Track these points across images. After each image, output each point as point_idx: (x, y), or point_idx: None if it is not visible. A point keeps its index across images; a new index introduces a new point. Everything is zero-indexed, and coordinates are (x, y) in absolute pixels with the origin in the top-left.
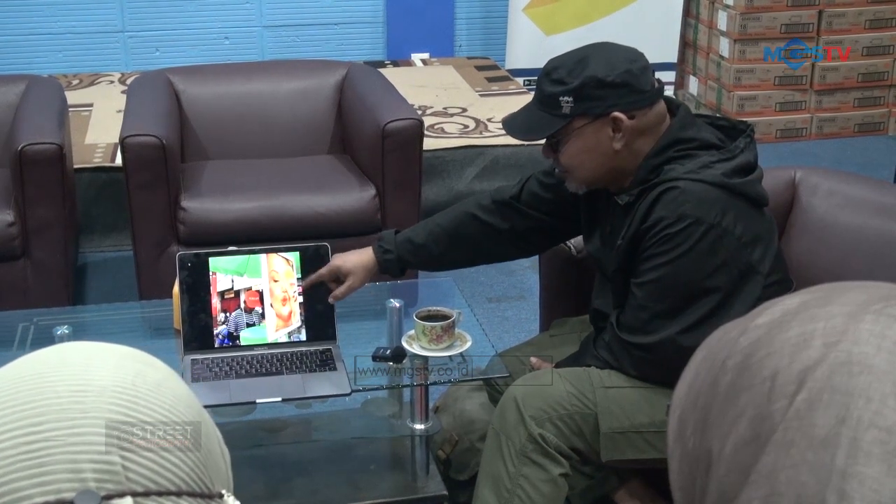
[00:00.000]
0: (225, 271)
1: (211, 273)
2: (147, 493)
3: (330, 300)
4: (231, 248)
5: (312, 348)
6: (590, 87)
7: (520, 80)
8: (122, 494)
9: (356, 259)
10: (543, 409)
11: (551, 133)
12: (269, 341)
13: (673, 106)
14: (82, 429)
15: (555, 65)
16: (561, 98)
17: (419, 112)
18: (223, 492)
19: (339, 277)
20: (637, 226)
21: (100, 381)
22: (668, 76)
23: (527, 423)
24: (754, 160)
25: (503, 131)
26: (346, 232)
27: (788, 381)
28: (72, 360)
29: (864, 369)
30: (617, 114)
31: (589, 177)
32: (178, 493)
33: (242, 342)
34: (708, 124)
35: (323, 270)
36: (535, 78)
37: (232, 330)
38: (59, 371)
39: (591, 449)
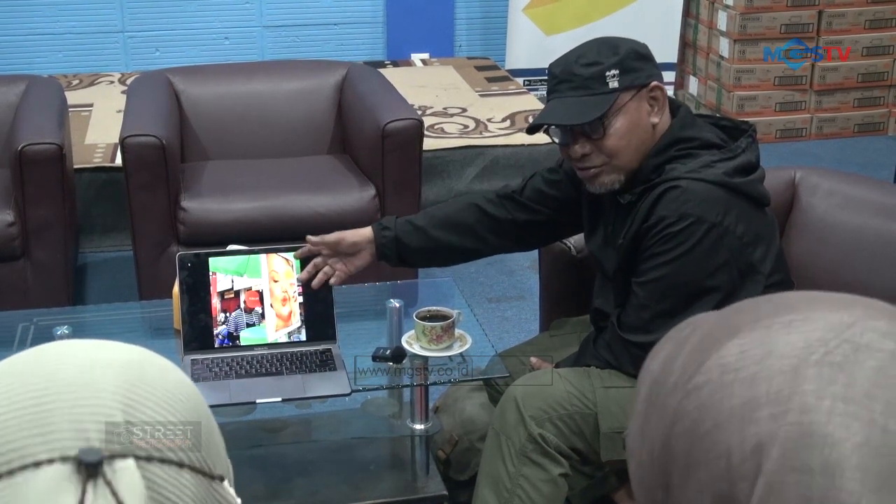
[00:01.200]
0: (225, 271)
1: (211, 273)
2: (149, 458)
3: (335, 278)
4: (231, 248)
5: (312, 348)
6: (631, 58)
7: (520, 80)
8: (124, 456)
9: (360, 233)
10: (543, 409)
11: (604, 111)
12: (269, 341)
13: (674, 106)
14: (88, 397)
15: (577, 54)
16: (607, 73)
17: (419, 112)
18: (223, 476)
19: (339, 250)
20: (638, 225)
21: (108, 357)
22: (668, 76)
23: (527, 423)
24: (756, 160)
25: (503, 131)
26: None
27: (744, 460)
28: (79, 346)
29: (817, 442)
30: (657, 82)
31: (631, 159)
32: (181, 465)
33: (242, 342)
34: (710, 124)
35: (328, 237)
36: (535, 78)
37: (232, 330)
38: (68, 352)
39: (590, 449)
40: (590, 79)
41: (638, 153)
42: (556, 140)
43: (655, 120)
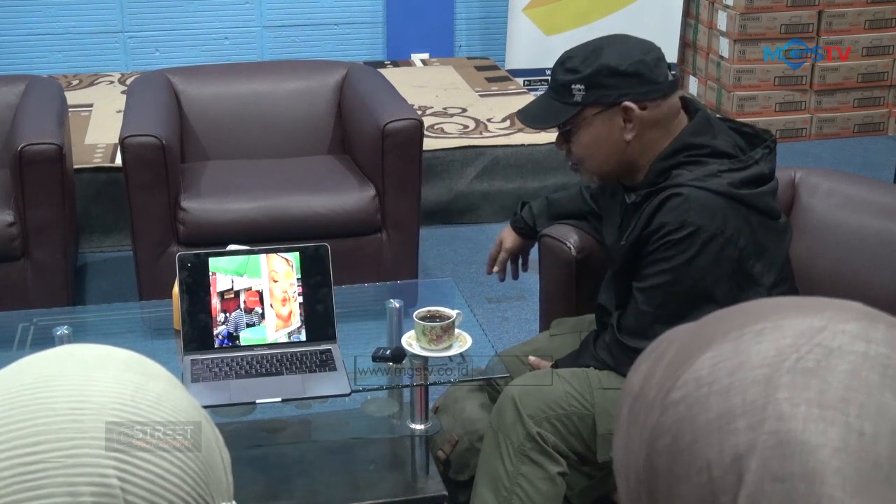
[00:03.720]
0: (225, 271)
1: (211, 273)
2: None
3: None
4: (231, 248)
5: (312, 348)
6: (602, 75)
7: (519, 80)
8: None
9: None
10: (541, 409)
11: (562, 121)
12: (268, 341)
13: (692, 109)
14: (80, 450)
15: (570, 54)
16: (573, 86)
17: (419, 112)
18: None
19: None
20: (641, 229)
21: (99, 396)
22: None
23: (525, 421)
24: (769, 172)
25: (503, 131)
26: (346, 232)
27: (725, 473)
28: (71, 372)
29: (795, 449)
30: (628, 103)
31: (599, 168)
32: None
33: (242, 342)
34: (731, 129)
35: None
36: (535, 78)
37: (232, 330)
38: (58, 384)
39: (588, 450)
40: (561, 85)
41: (610, 164)
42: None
43: (629, 137)
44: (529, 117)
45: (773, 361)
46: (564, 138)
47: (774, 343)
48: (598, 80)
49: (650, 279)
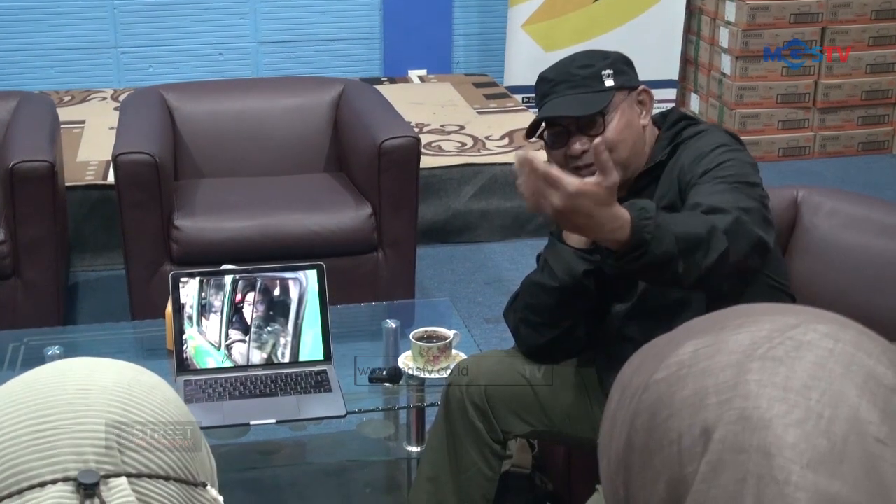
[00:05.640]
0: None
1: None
2: (139, 475)
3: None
4: (225, 268)
5: (307, 369)
6: (621, 62)
7: (518, 97)
8: (118, 475)
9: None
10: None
11: (604, 106)
12: (263, 362)
13: (660, 115)
14: (86, 419)
15: (569, 60)
16: (603, 73)
17: (416, 130)
18: (206, 482)
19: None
20: (676, 170)
21: (102, 382)
22: (669, 93)
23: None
24: None
25: (501, 149)
26: (342, 251)
27: (694, 444)
28: (77, 369)
29: (757, 424)
30: (644, 87)
31: (627, 156)
32: (167, 478)
33: (236, 363)
34: None
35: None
36: (534, 95)
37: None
38: (69, 375)
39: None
40: (587, 78)
41: (632, 152)
42: (548, 143)
43: (644, 122)
44: (572, 108)
45: (747, 349)
46: (586, 133)
47: (751, 335)
48: (620, 66)
49: (712, 179)
